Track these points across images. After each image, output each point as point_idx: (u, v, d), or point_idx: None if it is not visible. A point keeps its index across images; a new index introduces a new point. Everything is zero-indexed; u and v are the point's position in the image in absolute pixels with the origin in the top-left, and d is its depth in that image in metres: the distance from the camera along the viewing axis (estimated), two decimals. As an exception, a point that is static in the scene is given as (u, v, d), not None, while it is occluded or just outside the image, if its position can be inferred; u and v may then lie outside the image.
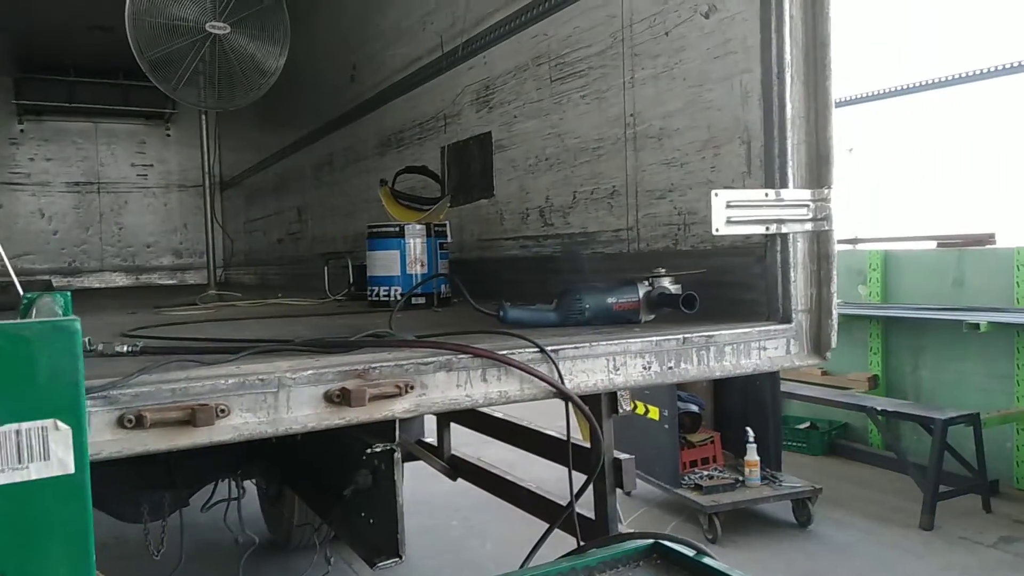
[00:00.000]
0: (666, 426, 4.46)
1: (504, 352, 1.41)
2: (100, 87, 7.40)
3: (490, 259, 2.95)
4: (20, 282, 1.28)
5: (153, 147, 8.02)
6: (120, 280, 7.77)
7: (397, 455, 1.72)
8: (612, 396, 2.05)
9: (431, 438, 3.24)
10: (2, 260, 1.46)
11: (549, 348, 1.44)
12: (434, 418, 3.09)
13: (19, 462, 0.70)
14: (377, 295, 2.63)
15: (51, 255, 7.43)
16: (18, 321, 0.74)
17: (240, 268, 6.64)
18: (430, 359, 1.35)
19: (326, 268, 3.34)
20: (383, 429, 1.75)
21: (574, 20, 2.44)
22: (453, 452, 3.11)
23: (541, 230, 2.66)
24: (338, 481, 1.95)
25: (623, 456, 2.14)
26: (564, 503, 2.29)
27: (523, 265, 2.76)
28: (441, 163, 3.29)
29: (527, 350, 1.44)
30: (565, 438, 2.30)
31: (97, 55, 6.62)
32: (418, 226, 2.64)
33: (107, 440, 1.13)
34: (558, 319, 1.74)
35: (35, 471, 0.71)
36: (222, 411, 1.17)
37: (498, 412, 2.84)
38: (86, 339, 1.50)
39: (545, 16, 2.58)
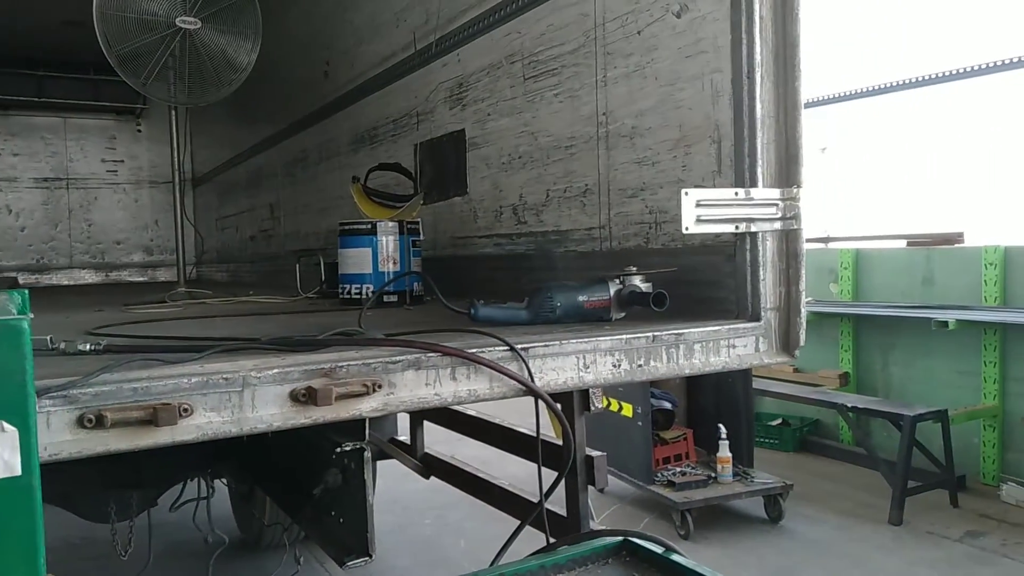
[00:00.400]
0: (639, 423, 4.48)
1: (474, 350, 1.40)
2: (70, 82, 7.29)
3: (464, 257, 2.95)
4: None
5: (124, 143, 7.91)
6: (89, 277, 7.66)
7: (367, 454, 1.71)
8: (584, 394, 2.05)
9: (404, 436, 3.23)
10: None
11: (519, 346, 1.44)
12: (407, 416, 3.08)
13: (-37, 464, 0.69)
14: (349, 293, 2.61)
15: (18, 252, 7.30)
16: (-37, 320, 0.72)
17: (212, 265, 6.57)
18: (398, 357, 1.34)
19: (298, 266, 3.31)
20: (353, 428, 1.74)
21: (547, 18, 2.44)
22: (427, 450, 3.10)
23: (515, 228, 2.65)
24: (308, 480, 1.94)
25: (595, 453, 2.14)
26: (536, 500, 2.29)
27: (497, 263, 2.75)
28: (414, 160, 3.28)
29: (497, 348, 1.43)
30: (532, 434, 2.31)
31: (67, 49, 6.52)
32: (390, 224, 2.63)
33: (67, 440, 1.11)
34: (529, 317, 1.73)
35: (-21, 473, 0.70)
36: (185, 410, 1.16)
37: (471, 410, 2.84)
38: (47, 337, 1.47)
39: (518, 14, 2.58)
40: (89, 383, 1.12)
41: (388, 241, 2.60)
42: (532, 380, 1.43)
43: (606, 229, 2.18)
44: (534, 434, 2.40)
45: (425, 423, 3.08)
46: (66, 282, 7.44)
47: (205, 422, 1.18)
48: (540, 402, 1.52)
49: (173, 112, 3.88)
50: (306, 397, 1.24)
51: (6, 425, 0.71)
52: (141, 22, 3.59)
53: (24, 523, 0.72)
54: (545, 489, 1.78)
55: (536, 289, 1.78)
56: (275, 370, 1.23)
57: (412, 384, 1.36)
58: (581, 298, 1.73)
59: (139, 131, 7.92)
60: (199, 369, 1.20)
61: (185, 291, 3.50)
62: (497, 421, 2.67)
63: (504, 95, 2.68)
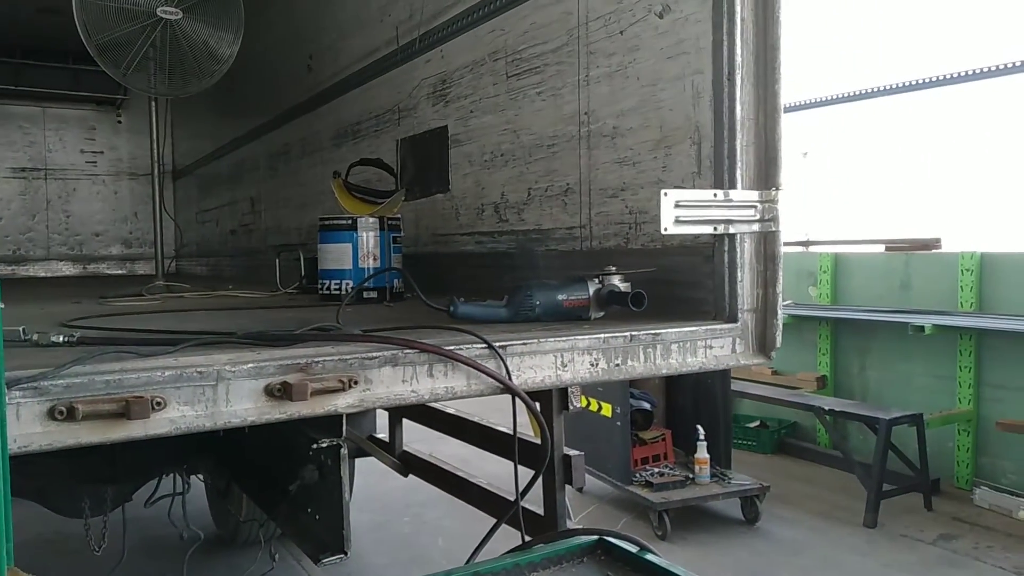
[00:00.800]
0: (618, 423, 4.50)
1: (452, 347, 1.40)
2: (48, 70, 7.19)
3: (445, 254, 2.94)
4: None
5: (103, 133, 7.82)
6: (67, 269, 7.57)
7: (343, 451, 1.70)
8: (563, 392, 2.05)
9: (383, 434, 3.22)
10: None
11: (497, 344, 1.44)
12: (386, 414, 3.07)
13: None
14: (328, 288, 2.60)
15: (-5, 242, 7.21)
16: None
17: (192, 259, 6.51)
18: (375, 353, 1.34)
19: (277, 260, 3.29)
20: (330, 424, 1.73)
21: (531, 16, 2.44)
22: (405, 448, 3.09)
23: (496, 226, 2.65)
24: (284, 476, 1.92)
25: (573, 452, 2.14)
26: (514, 499, 2.29)
27: (478, 261, 2.75)
28: (396, 156, 3.27)
29: (475, 346, 1.43)
30: (509, 433, 2.31)
31: (46, 37, 6.43)
32: (371, 219, 2.62)
33: (37, 432, 1.09)
34: (509, 315, 1.73)
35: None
36: (158, 404, 1.14)
37: (450, 408, 2.83)
38: (20, 328, 1.46)
39: (502, 11, 2.58)
40: (60, 375, 1.10)
41: (369, 237, 2.59)
42: (510, 378, 1.43)
43: (587, 228, 2.19)
44: (511, 432, 2.41)
45: (404, 421, 3.07)
46: (43, 274, 7.36)
47: (179, 416, 1.17)
48: (518, 400, 1.52)
49: (153, 103, 3.84)
50: (281, 392, 1.23)
51: (-30, 418, 0.70)
52: (121, 11, 3.54)
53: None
54: (522, 488, 1.78)
55: (516, 287, 1.78)
56: (250, 364, 1.23)
57: (389, 380, 1.35)
58: (560, 297, 1.73)
59: (119, 122, 7.84)
60: (173, 363, 1.19)
61: (163, 284, 3.46)
62: (476, 419, 2.66)
63: (487, 92, 2.68)
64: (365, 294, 2.52)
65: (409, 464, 3.04)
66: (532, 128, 2.45)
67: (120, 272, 7.59)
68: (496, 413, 2.69)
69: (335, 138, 3.90)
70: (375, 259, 2.60)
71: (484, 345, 1.43)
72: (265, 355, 1.27)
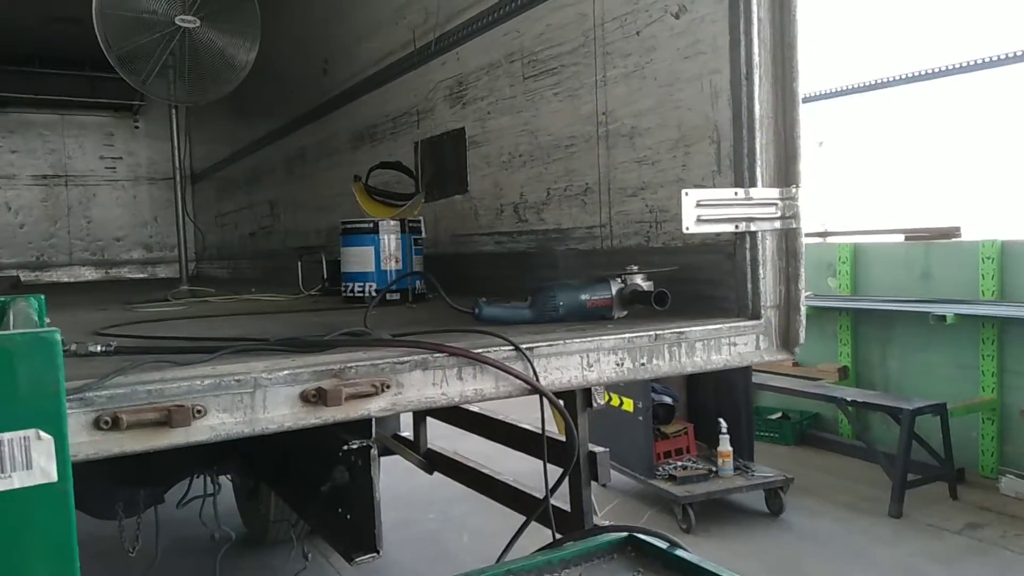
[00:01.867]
0: (640, 418, 4.51)
1: (479, 350, 1.42)
2: (67, 78, 7.29)
3: (465, 255, 2.97)
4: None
5: (121, 139, 7.92)
6: (89, 274, 7.68)
7: (374, 451, 1.73)
8: (586, 391, 2.08)
9: (407, 432, 3.25)
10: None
11: (524, 346, 1.46)
12: (410, 413, 3.10)
13: (2, 471, 0.71)
14: (351, 291, 2.63)
15: (18, 249, 7.31)
16: (-1, 332, 0.75)
17: (212, 262, 6.58)
18: (406, 358, 1.37)
19: (299, 263, 3.33)
20: (359, 425, 1.76)
21: (546, 18, 2.46)
22: (430, 446, 3.13)
23: (515, 226, 2.67)
24: (314, 477, 1.96)
25: (598, 449, 2.17)
26: (540, 496, 2.32)
27: (498, 261, 2.77)
28: (415, 158, 3.29)
29: (502, 348, 1.46)
30: (540, 431, 2.33)
31: (64, 46, 6.51)
32: (392, 222, 2.64)
33: (83, 442, 1.13)
34: (532, 316, 1.76)
35: (18, 480, 0.72)
36: (199, 412, 1.18)
37: (474, 406, 2.86)
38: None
39: (518, 13, 2.59)
40: (104, 385, 1.14)
41: (390, 240, 2.62)
42: (537, 379, 1.46)
43: (607, 228, 2.20)
44: (536, 430, 2.43)
45: (428, 419, 3.10)
46: (66, 279, 7.46)
47: (218, 423, 1.20)
48: (545, 400, 1.55)
49: (173, 111, 3.89)
50: (316, 398, 1.26)
51: (42, 433, 0.73)
52: (140, 21, 3.59)
53: (60, 528, 0.74)
54: (550, 485, 1.81)
55: (539, 288, 1.80)
56: (286, 371, 1.26)
57: (419, 384, 1.38)
58: (583, 297, 1.75)
59: (136, 127, 7.93)
60: (211, 371, 1.22)
61: (188, 289, 3.52)
62: (500, 417, 2.69)
63: (504, 94, 2.70)
64: (387, 296, 2.55)
65: (434, 462, 3.07)
66: (550, 129, 2.47)
67: (141, 276, 7.68)
68: (514, 409, 2.72)
69: (352, 141, 3.93)
70: (397, 261, 2.63)
71: (511, 347, 1.45)
72: (299, 361, 1.30)
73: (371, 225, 2.62)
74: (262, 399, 1.23)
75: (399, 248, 2.63)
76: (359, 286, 2.61)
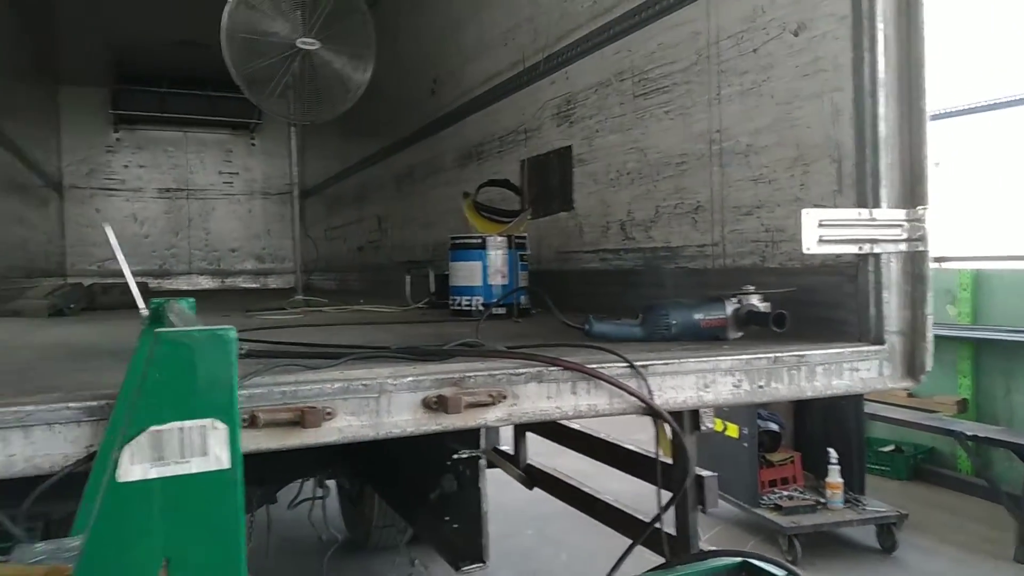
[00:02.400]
0: (745, 444, 4.39)
1: (593, 366, 1.43)
2: (189, 98, 7.78)
3: (568, 271, 2.98)
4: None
5: (239, 156, 8.37)
6: (206, 283, 8.12)
7: (482, 462, 1.76)
8: (695, 413, 2.05)
9: (506, 446, 3.28)
10: (121, 267, 1.57)
11: (638, 363, 1.46)
12: (511, 427, 3.13)
13: (181, 456, 0.77)
14: (459, 304, 2.69)
15: (143, 258, 7.81)
16: (181, 329, 0.82)
17: (320, 274, 6.84)
18: (522, 370, 1.39)
19: (408, 276, 3.42)
20: (468, 436, 1.80)
21: (658, 36, 2.46)
22: (529, 461, 3.14)
23: (622, 244, 2.67)
24: (423, 484, 2.01)
25: (706, 473, 2.13)
26: (642, 517, 2.30)
27: (602, 278, 2.78)
28: (521, 176, 3.34)
29: (616, 364, 1.46)
30: (642, 451, 2.31)
31: (187, 68, 6.96)
32: (499, 238, 2.69)
33: (223, 438, 1.20)
34: (644, 334, 1.75)
35: (196, 465, 0.78)
36: (328, 414, 1.23)
37: (576, 424, 2.86)
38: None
39: (628, 33, 2.61)
40: (244, 385, 1.20)
41: (497, 255, 2.67)
42: (652, 398, 1.45)
43: (719, 246, 2.18)
44: (639, 450, 2.41)
45: (528, 434, 3.12)
46: (185, 287, 7.91)
47: (345, 425, 1.26)
48: (655, 420, 1.54)
49: (292, 129, 4.09)
50: (437, 405, 1.30)
51: (218, 423, 0.79)
52: (264, 44, 3.80)
53: (231, 512, 0.80)
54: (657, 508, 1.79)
55: (650, 306, 1.79)
56: (409, 378, 1.30)
57: (534, 396, 1.40)
58: (697, 316, 1.73)
59: (253, 144, 8.36)
60: (339, 375, 1.28)
61: (302, 299, 3.67)
62: (602, 436, 2.68)
63: (613, 112, 2.71)
64: (494, 310, 2.59)
65: (534, 477, 3.08)
66: (659, 147, 2.46)
67: (254, 286, 8.06)
68: (606, 426, 2.70)
69: (459, 159, 4.02)
70: (503, 276, 2.67)
71: (625, 364, 1.46)
72: (421, 369, 1.34)
73: (479, 241, 2.68)
74: (387, 404, 1.28)
75: (506, 263, 2.68)
76: (466, 300, 2.67)
